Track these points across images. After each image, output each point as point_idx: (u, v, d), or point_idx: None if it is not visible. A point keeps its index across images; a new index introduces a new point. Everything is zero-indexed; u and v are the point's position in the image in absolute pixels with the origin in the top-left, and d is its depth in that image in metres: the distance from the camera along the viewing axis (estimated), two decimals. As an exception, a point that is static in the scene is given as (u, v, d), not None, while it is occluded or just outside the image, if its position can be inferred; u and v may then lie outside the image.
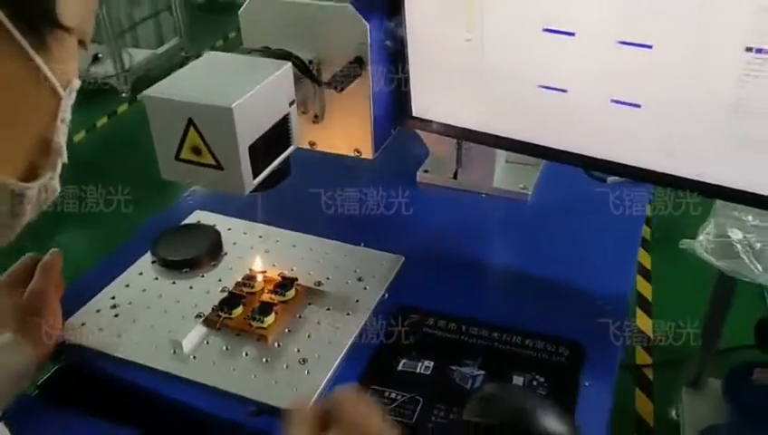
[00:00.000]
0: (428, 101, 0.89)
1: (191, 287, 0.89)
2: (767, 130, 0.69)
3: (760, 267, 0.91)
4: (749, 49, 0.65)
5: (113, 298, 0.88)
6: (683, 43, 0.68)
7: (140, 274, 0.92)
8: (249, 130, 0.66)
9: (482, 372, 0.76)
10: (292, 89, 0.72)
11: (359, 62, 0.79)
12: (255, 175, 0.69)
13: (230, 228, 0.99)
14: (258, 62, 0.73)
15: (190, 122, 0.64)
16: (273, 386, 0.75)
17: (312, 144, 0.88)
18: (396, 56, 0.85)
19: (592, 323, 0.82)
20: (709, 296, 1.52)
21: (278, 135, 0.72)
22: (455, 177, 1.09)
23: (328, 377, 0.75)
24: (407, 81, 0.87)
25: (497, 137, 0.87)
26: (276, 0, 0.77)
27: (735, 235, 0.95)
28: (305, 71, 0.78)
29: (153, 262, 0.94)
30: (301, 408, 0.56)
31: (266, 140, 0.69)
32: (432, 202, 1.06)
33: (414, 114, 0.91)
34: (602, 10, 0.71)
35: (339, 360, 0.78)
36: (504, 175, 1.08)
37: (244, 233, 0.99)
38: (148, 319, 0.84)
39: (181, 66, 0.71)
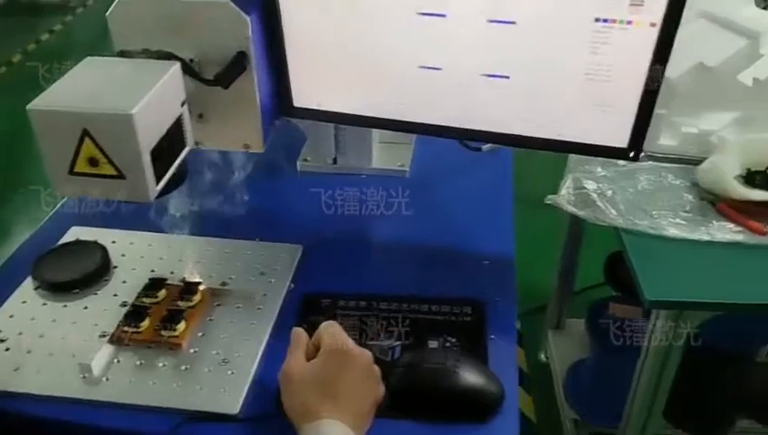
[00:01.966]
0: (309, 90, 0.91)
1: (86, 307, 0.85)
2: (613, 92, 0.79)
3: (614, 211, 1.03)
4: (597, 19, 0.74)
5: (-1, 332, 0.81)
6: (542, 18, 0.76)
7: (24, 302, 0.86)
8: (148, 135, 0.65)
9: (399, 343, 0.81)
10: (182, 89, 0.71)
11: (242, 57, 0.79)
12: (158, 180, 0.67)
13: (114, 241, 0.95)
14: (144, 64, 0.71)
15: (85, 133, 0.62)
16: (199, 392, 0.74)
17: (197, 143, 0.86)
18: (275, 48, 0.86)
19: (487, 280, 0.89)
20: (562, 244, 1.69)
21: (174, 137, 0.71)
22: (334, 162, 1.12)
23: (253, 371, 0.76)
24: (286, 71, 0.89)
25: (378, 119, 0.91)
26: (150, 0, 0.75)
27: (590, 185, 1.07)
28: (188, 70, 0.77)
29: (36, 288, 0.88)
30: (299, 333, 0.72)
31: (164, 143, 0.68)
32: (317, 188, 1.09)
33: (295, 104, 0.93)
34: (471, -8, 0.77)
35: (260, 354, 0.78)
36: (381, 155, 1.12)
37: (131, 243, 0.95)
38: (45, 347, 0.79)
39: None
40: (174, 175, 0.73)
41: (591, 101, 0.81)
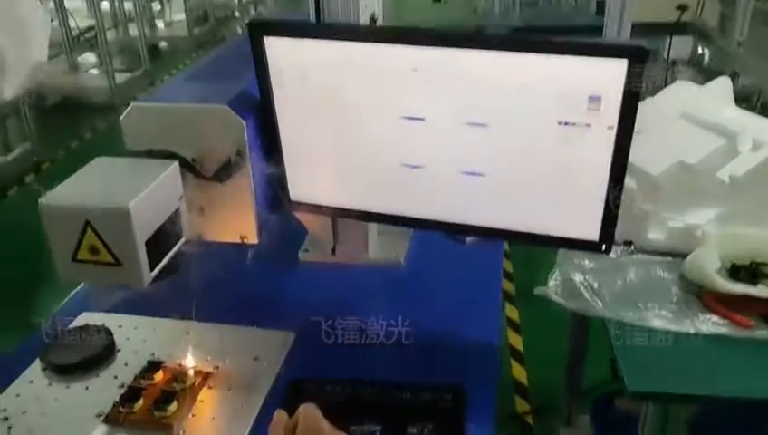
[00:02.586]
0: (304, 186, 0.99)
1: (87, 388, 0.90)
2: (580, 188, 0.85)
3: (600, 303, 1.06)
4: (560, 122, 0.81)
5: (4, 410, 0.86)
6: (510, 121, 0.83)
7: (30, 382, 0.92)
8: (144, 226, 0.72)
9: (378, 428, 0.83)
10: (179, 185, 0.79)
11: (239, 155, 0.87)
12: (152, 268, 0.74)
13: (121, 325, 1.01)
14: (145, 163, 0.79)
15: (87, 224, 0.69)
16: (185, 470, 0.77)
17: (198, 235, 0.94)
18: (271, 148, 0.94)
19: (469, 368, 0.92)
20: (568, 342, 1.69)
21: (170, 229, 0.78)
22: (333, 252, 1.18)
23: (237, 453, 0.79)
24: (283, 169, 0.97)
25: (368, 213, 0.98)
26: (157, 106, 0.85)
27: (577, 277, 1.11)
28: (189, 168, 0.85)
29: (44, 369, 0.93)
30: (280, 414, 0.71)
31: (160, 234, 0.75)
32: (315, 278, 1.14)
33: (292, 199, 1.00)
34: (446, 100, 0.85)
35: (246, 435, 0.82)
36: (378, 246, 1.18)
37: (135, 328, 1.01)
38: (45, 426, 0.84)
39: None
40: (169, 263, 0.79)
41: (560, 196, 0.87)
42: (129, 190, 0.71)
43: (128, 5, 5.35)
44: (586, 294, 1.08)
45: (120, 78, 4.57)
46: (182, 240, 0.81)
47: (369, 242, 1.17)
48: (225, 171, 0.86)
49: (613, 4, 1.31)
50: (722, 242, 1.08)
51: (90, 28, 4.72)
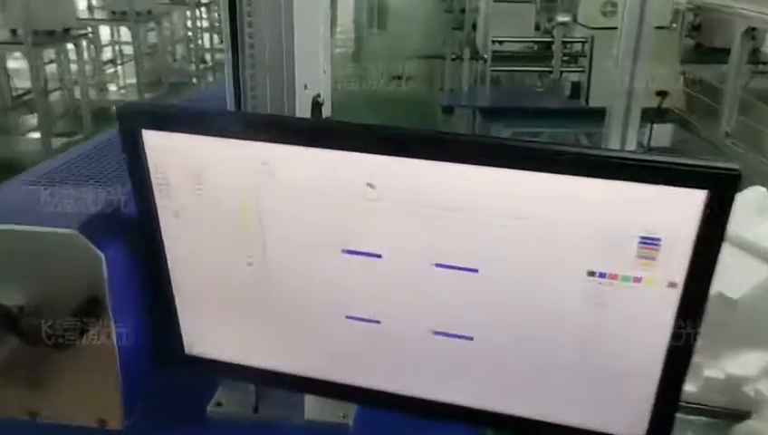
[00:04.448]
0: (205, 339, 0.67)
1: None
2: (619, 365, 0.56)
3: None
4: (591, 273, 0.53)
5: None
6: (512, 268, 0.54)
7: None
8: None
9: None
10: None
11: (93, 304, 0.56)
12: None
13: None
14: None
15: None
16: None
17: (32, 414, 0.61)
18: (152, 287, 0.63)
19: None
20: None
21: None
22: (255, 411, 0.86)
23: None
24: (174, 316, 0.65)
25: (301, 379, 0.67)
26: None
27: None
28: (10, 324, 0.54)
29: None
30: None
31: None
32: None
33: (188, 353, 0.69)
34: (416, 230, 0.56)
35: None
36: (317, 404, 0.86)
37: None
38: None
39: None
40: None
41: (589, 376, 0.57)
42: None
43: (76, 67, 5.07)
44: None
45: (58, 142, 4.23)
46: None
47: (304, 399, 0.85)
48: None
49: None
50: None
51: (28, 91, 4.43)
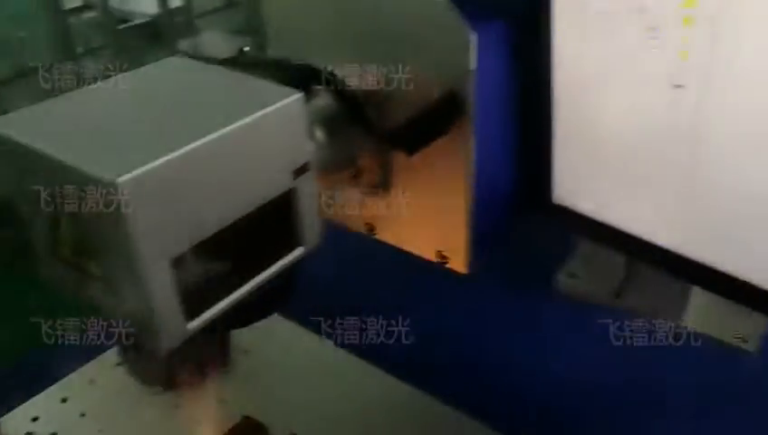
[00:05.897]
0: (582, 186, 0.50)
1: None
2: None
3: None
4: None
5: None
6: None
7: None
8: (169, 228, 0.32)
9: None
10: (300, 142, 0.38)
11: (451, 101, 0.42)
12: (191, 316, 0.35)
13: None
14: (253, 86, 0.38)
15: (55, 203, 0.32)
16: None
17: (369, 228, 0.53)
18: (527, 101, 0.47)
19: None
20: None
21: (262, 231, 0.37)
22: (617, 295, 0.68)
23: None
24: (546, 145, 0.49)
25: (690, 262, 0.46)
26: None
27: None
28: (351, 106, 0.43)
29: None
30: None
31: (216, 247, 0.35)
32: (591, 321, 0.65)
33: (555, 201, 0.53)
34: None
35: None
36: (705, 311, 0.64)
37: None
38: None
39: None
40: (273, 295, 0.40)
41: None
42: (158, 144, 0.31)
43: None
44: None
45: None
46: (299, 250, 0.40)
47: (689, 297, 0.64)
48: (420, 128, 0.42)
49: None
50: None
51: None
